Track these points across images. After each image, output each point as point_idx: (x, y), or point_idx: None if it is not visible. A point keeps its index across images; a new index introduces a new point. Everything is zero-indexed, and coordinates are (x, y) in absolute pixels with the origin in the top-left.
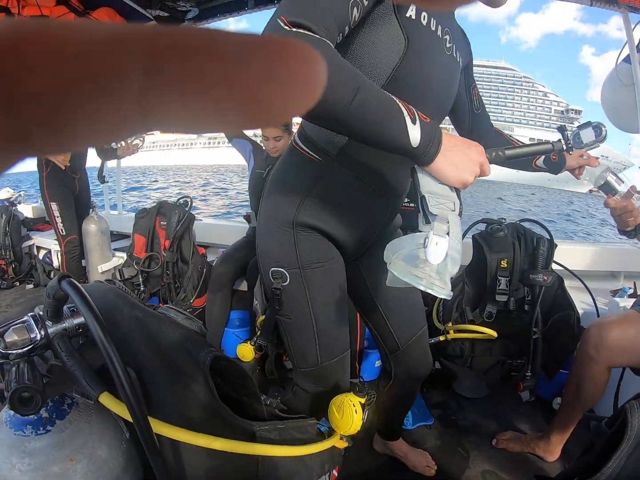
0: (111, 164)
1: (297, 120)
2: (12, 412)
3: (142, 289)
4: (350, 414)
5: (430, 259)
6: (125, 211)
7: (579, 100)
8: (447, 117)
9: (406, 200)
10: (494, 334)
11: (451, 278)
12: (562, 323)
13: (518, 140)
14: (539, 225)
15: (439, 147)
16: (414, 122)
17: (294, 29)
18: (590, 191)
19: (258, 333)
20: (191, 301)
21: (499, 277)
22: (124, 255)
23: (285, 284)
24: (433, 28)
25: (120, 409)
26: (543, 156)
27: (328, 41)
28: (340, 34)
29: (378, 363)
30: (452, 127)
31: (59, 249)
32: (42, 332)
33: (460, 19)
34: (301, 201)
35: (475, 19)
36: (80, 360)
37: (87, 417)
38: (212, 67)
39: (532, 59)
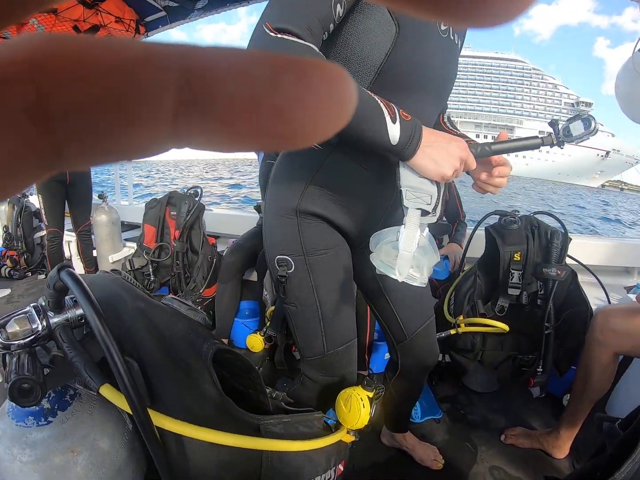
0: None
1: None
2: (14, 403)
3: (152, 279)
4: (357, 408)
5: (401, 250)
6: (136, 201)
7: (594, 93)
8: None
9: None
10: (506, 327)
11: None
12: (574, 319)
13: (457, 129)
14: (553, 218)
15: (418, 143)
16: (394, 121)
17: (279, 35)
18: (603, 186)
19: (268, 324)
20: (201, 291)
21: (512, 271)
22: (135, 245)
23: (290, 271)
24: None
25: (121, 401)
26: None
27: (313, 45)
28: (326, 32)
29: (387, 355)
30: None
31: (69, 239)
32: (44, 323)
33: None
34: (304, 189)
35: None
36: (82, 351)
37: (89, 408)
38: (241, 88)
39: (546, 52)
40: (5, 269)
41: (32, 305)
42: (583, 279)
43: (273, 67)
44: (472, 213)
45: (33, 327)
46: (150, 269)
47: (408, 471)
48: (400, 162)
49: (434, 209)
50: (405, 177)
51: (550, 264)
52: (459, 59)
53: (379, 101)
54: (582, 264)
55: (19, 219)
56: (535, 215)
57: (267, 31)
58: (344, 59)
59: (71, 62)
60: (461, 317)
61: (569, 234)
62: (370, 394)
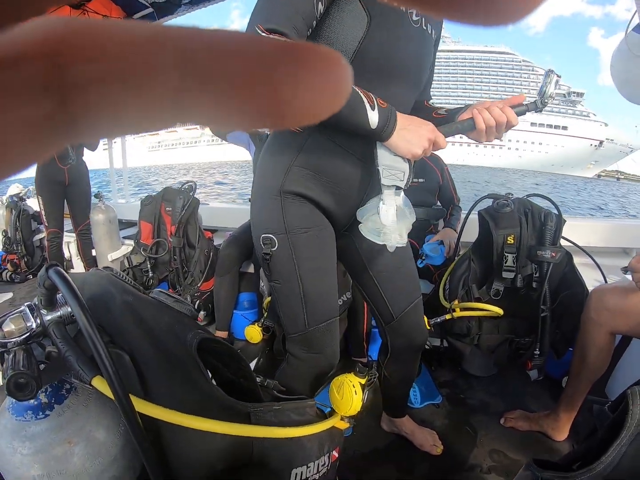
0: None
1: None
2: (14, 399)
3: (150, 275)
4: (350, 394)
5: (383, 220)
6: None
7: (591, 85)
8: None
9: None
10: (500, 311)
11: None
12: (571, 301)
13: (442, 108)
14: (547, 200)
15: (394, 126)
16: (372, 108)
17: (270, 36)
18: (599, 176)
19: (265, 314)
20: (199, 285)
21: (506, 254)
22: (133, 242)
23: (274, 249)
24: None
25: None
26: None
27: None
28: (310, 29)
29: None
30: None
31: (68, 240)
32: (38, 321)
33: None
34: (287, 170)
35: None
36: (74, 345)
37: (85, 401)
38: (240, 68)
39: (540, 44)
40: (6, 273)
41: (26, 304)
42: (580, 260)
43: (271, 47)
44: (465, 200)
45: (28, 325)
46: (149, 265)
47: (408, 456)
48: (378, 142)
49: (406, 184)
50: (382, 156)
51: (545, 247)
52: (450, 54)
53: (359, 91)
54: (577, 246)
55: (18, 223)
56: (528, 198)
57: (260, 32)
58: None
59: (87, 40)
60: (456, 302)
61: (563, 215)
62: (363, 381)
